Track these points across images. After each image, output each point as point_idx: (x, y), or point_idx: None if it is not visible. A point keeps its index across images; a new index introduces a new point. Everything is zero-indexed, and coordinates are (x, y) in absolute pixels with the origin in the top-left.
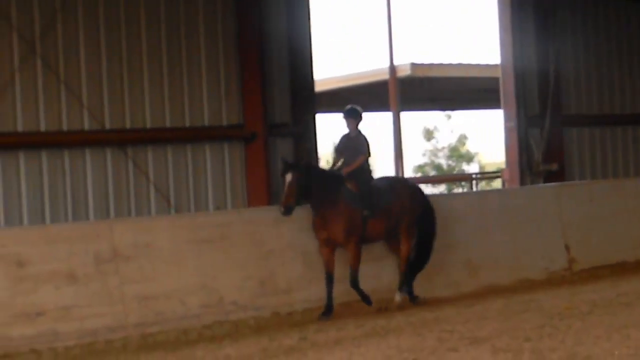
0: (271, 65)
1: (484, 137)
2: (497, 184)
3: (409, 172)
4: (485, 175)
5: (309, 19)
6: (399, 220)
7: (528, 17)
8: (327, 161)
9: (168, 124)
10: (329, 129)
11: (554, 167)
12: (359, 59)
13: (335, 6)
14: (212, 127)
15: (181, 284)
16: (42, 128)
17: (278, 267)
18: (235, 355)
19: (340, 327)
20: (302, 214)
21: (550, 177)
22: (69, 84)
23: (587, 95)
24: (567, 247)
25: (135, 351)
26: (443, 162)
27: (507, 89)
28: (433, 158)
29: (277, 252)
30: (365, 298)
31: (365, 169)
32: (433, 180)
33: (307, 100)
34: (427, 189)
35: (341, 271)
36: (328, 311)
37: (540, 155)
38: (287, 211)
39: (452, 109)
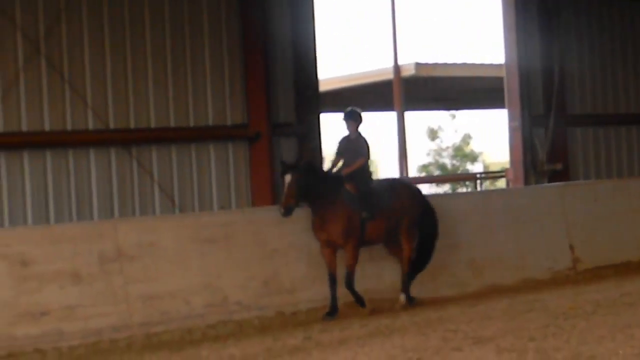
0: (275, 65)
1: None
2: (501, 183)
3: (413, 172)
4: (489, 175)
5: (313, 18)
6: (399, 222)
7: (532, 16)
8: (330, 161)
9: (172, 124)
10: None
11: (559, 166)
12: (363, 58)
13: (340, 6)
14: (216, 127)
15: (185, 283)
16: (47, 128)
17: (282, 266)
18: (240, 354)
19: (345, 326)
20: (307, 213)
21: (554, 176)
22: (73, 84)
23: (591, 94)
24: (571, 247)
25: (139, 351)
26: (447, 161)
27: (511, 88)
28: (437, 158)
29: (281, 252)
30: (359, 300)
31: (365, 171)
32: (437, 180)
33: (311, 100)
34: (431, 189)
35: (342, 271)
36: (333, 311)
37: (544, 155)
38: (287, 212)
39: (457, 109)
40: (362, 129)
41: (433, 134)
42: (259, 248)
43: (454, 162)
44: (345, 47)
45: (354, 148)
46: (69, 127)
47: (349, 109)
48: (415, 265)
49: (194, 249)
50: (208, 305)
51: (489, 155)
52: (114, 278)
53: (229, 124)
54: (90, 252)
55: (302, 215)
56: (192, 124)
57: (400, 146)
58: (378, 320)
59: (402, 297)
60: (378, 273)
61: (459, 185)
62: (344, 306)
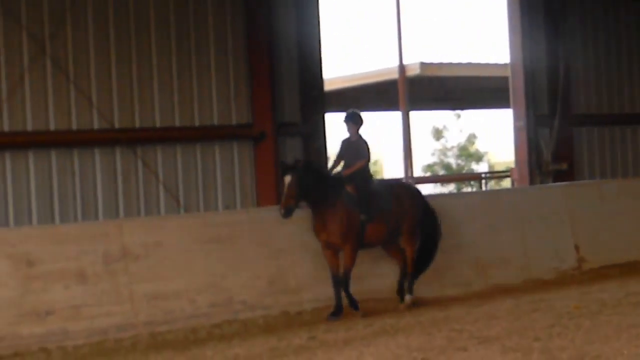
0: (280, 64)
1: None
2: (506, 183)
3: (418, 172)
4: (494, 175)
5: (318, 18)
6: (400, 225)
7: (538, 16)
8: (331, 163)
9: (177, 124)
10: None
11: (564, 166)
12: (368, 58)
13: (344, 6)
14: (221, 127)
15: (190, 283)
16: (52, 127)
17: (287, 266)
18: (244, 354)
19: (350, 326)
20: (311, 213)
21: (559, 176)
22: (78, 84)
23: (596, 94)
24: (576, 247)
25: (144, 350)
26: (452, 161)
27: (516, 88)
28: (442, 157)
29: (286, 252)
30: (353, 302)
31: (366, 174)
32: (442, 180)
33: (316, 100)
34: (436, 189)
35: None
36: (338, 312)
37: (549, 155)
38: (287, 213)
39: (462, 109)
40: (362, 131)
41: (438, 134)
42: (264, 248)
43: (459, 161)
44: (350, 47)
45: (355, 150)
46: (74, 126)
47: (349, 111)
48: (417, 266)
49: (199, 249)
50: (213, 304)
51: (494, 155)
52: (119, 278)
53: (234, 124)
54: (95, 252)
55: (307, 215)
56: (197, 123)
57: (405, 146)
58: (383, 320)
59: (408, 297)
60: (385, 273)
61: (464, 185)
62: (348, 306)
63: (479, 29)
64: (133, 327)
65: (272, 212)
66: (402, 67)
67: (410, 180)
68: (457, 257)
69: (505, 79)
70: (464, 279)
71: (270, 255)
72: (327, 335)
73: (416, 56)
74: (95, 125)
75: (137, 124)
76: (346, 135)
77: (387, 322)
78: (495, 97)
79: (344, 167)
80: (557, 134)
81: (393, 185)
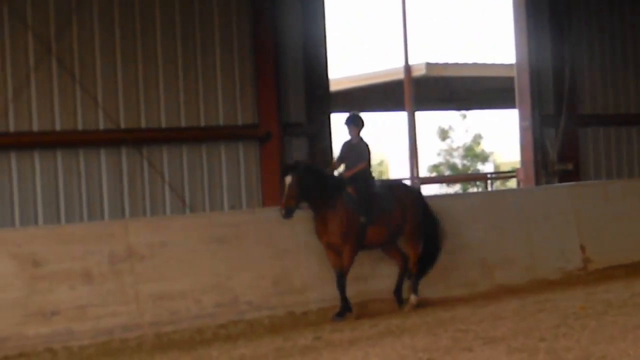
0: (286, 64)
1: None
2: (512, 183)
3: (423, 172)
4: (500, 175)
5: (324, 18)
6: (402, 226)
7: (543, 16)
8: (332, 165)
9: (183, 124)
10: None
11: (569, 166)
12: (374, 58)
13: (350, 6)
14: (227, 127)
15: (196, 283)
16: (58, 127)
17: (292, 266)
18: (250, 354)
19: (355, 326)
20: (313, 216)
21: (565, 176)
22: (84, 84)
23: (602, 94)
24: (582, 247)
25: (150, 350)
26: (458, 161)
27: (522, 88)
28: (448, 158)
29: (291, 252)
30: (346, 304)
31: (367, 176)
32: (448, 180)
33: (322, 100)
34: (442, 189)
35: (354, 271)
36: (343, 312)
37: (555, 155)
38: (288, 213)
39: (467, 109)
40: (363, 133)
41: (444, 134)
42: (269, 248)
43: (465, 162)
44: (355, 47)
45: (356, 152)
46: (79, 127)
47: (350, 113)
48: (420, 267)
49: (205, 249)
50: (218, 305)
51: (500, 155)
52: (125, 278)
53: (239, 124)
54: (101, 252)
55: (311, 215)
56: (202, 124)
57: (410, 146)
58: (388, 320)
59: (413, 298)
60: (391, 273)
61: (469, 186)
62: (354, 306)
63: (484, 29)
64: (139, 327)
65: (277, 213)
66: (407, 68)
67: (416, 181)
68: (462, 258)
69: (511, 79)
70: (470, 279)
71: (275, 256)
72: (332, 335)
73: (422, 56)
74: (101, 126)
75: (143, 124)
76: (347, 137)
77: (392, 323)
78: (501, 97)
79: (345, 169)
80: (562, 134)
81: (394, 186)
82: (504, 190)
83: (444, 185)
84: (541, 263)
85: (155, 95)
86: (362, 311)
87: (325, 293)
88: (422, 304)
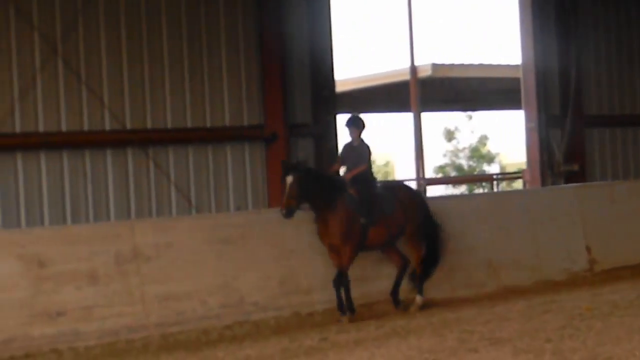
0: (292, 65)
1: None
2: (518, 184)
3: (429, 173)
4: (506, 176)
5: (330, 19)
6: (403, 228)
7: (549, 17)
8: (332, 167)
9: (189, 125)
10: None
11: (575, 167)
12: (380, 59)
13: (356, 7)
14: (233, 128)
15: (202, 284)
16: (63, 128)
17: (299, 267)
18: (256, 355)
19: (361, 327)
20: (315, 218)
21: (571, 177)
22: (90, 85)
23: (608, 95)
24: (587, 248)
25: (155, 351)
26: (464, 162)
27: (528, 89)
28: (454, 159)
29: (297, 252)
30: (341, 305)
31: (368, 178)
32: (454, 181)
33: (328, 101)
34: (448, 190)
35: (358, 273)
36: (349, 313)
37: (561, 156)
38: (288, 213)
39: (473, 110)
40: (364, 135)
41: (450, 135)
42: (275, 249)
43: (471, 163)
44: (361, 48)
45: (357, 154)
46: (85, 127)
47: (351, 115)
48: (424, 269)
49: (211, 250)
50: (224, 305)
51: (506, 156)
52: (131, 278)
53: (245, 125)
54: (107, 253)
55: (314, 217)
56: (208, 124)
57: (416, 147)
58: (394, 321)
59: (419, 299)
60: (388, 275)
61: (475, 186)
62: (359, 307)
63: (490, 31)
64: (144, 328)
65: None
66: (413, 69)
67: (421, 182)
68: (468, 259)
69: (517, 80)
70: (476, 280)
71: (281, 256)
72: (338, 336)
73: (427, 57)
74: (107, 126)
75: (149, 125)
76: (348, 139)
77: (398, 324)
78: (507, 98)
79: (346, 171)
80: (568, 135)
81: (395, 187)
82: (510, 191)
83: (450, 186)
84: (547, 264)
85: (161, 96)
86: (368, 312)
87: (331, 294)
88: (427, 305)
